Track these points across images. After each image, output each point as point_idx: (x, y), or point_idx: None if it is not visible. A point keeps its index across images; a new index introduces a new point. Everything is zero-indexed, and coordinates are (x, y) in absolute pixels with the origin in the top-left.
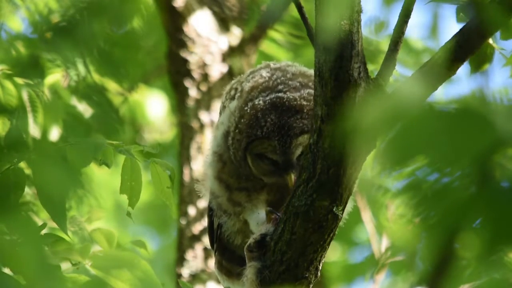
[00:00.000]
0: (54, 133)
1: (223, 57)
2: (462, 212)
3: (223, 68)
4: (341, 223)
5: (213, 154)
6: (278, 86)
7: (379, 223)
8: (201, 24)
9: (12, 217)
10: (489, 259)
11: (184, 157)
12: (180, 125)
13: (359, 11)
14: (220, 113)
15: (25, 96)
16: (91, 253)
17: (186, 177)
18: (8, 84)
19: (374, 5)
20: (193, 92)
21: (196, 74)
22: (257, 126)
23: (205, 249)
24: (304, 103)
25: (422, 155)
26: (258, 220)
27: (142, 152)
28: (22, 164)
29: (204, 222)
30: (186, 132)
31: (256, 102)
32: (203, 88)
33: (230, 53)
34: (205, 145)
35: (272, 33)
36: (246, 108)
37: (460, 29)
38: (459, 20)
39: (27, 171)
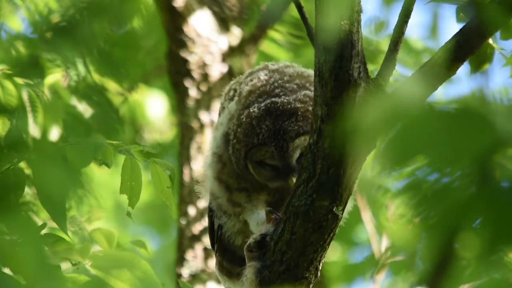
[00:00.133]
0: (54, 133)
1: (223, 57)
2: (462, 212)
3: (223, 68)
4: (341, 223)
5: (212, 155)
6: (275, 90)
7: (379, 223)
8: (201, 24)
9: (12, 217)
10: (489, 259)
11: (184, 157)
12: (180, 125)
13: (359, 11)
14: (220, 114)
15: (25, 96)
16: (91, 253)
17: (186, 177)
18: (8, 84)
19: (374, 5)
20: (193, 92)
21: (196, 74)
22: (253, 134)
23: (205, 249)
24: (299, 105)
25: (422, 155)
26: (258, 220)
27: (142, 152)
28: (22, 164)
29: (204, 222)
30: (186, 132)
31: (251, 110)
32: (203, 88)
33: (230, 53)
34: (205, 145)
35: (272, 33)
36: (242, 117)
37: (460, 29)
38: (459, 20)
39: (27, 171)
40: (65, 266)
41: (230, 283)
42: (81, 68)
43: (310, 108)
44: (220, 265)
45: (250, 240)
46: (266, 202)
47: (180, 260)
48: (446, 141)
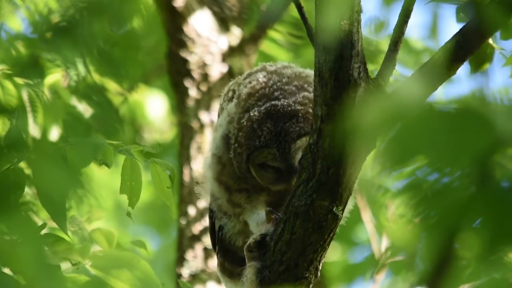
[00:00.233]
0: (54, 133)
1: (223, 57)
2: (462, 212)
3: (223, 68)
4: (342, 222)
5: (212, 156)
6: (275, 93)
7: (379, 223)
8: (201, 24)
9: (12, 217)
10: (489, 259)
11: (184, 157)
12: (180, 125)
13: (359, 11)
14: (219, 115)
15: (25, 96)
16: (91, 253)
17: (186, 177)
18: (8, 84)
19: (374, 5)
20: (193, 92)
21: (196, 74)
22: (255, 137)
23: (205, 249)
24: (299, 107)
25: (422, 155)
26: (258, 220)
27: (142, 152)
28: (22, 164)
29: (204, 222)
30: (186, 132)
31: (251, 114)
32: (203, 88)
33: (230, 53)
34: (205, 145)
35: (272, 33)
36: (242, 120)
37: (460, 29)
38: (459, 20)
39: (27, 171)
40: (65, 266)
41: (232, 284)
42: (81, 68)
43: (310, 110)
44: (221, 266)
45: (250, 240)
46: (266, 202)
47: (180, 260)
48: (446, 141)
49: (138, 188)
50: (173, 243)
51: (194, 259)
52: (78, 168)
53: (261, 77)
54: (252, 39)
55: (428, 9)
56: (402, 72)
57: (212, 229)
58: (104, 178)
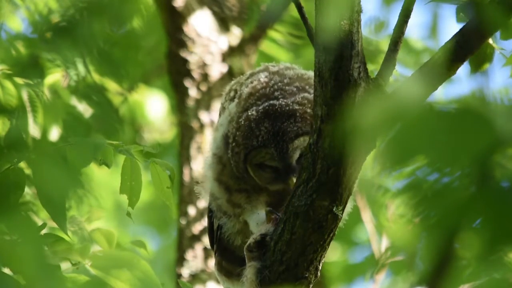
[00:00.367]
0: (54, 133)
1: (223, 57)
2: (462, 212)
3: (223, 68)
4: (340, 224)
5: (212, 156)
6: (275, 93)
7: (379, 223)
8: (201, 24)
9: (12, 217)
10: (489, 259)
11: (184, 157)
12: (180, 125)
13: (359, 11)
14: (220, 115)
15: (25, 96)
16: (91, 253)
17: (186, 177)
18: (8, 84)
19: (374, 5)
20: (193, 92)
21: (196, 74)
22: (252, 136)
23: (205, 249)
24: (297, 107)
25: (422, 155)
26: (258, 220)
27: (142, 152)
28: (22, 164)
29: (204, 222)
30: (186, 132)
31: (249, 113)
32: (203, 88)
33: (230, 53)
34: (205, 145)
35: (272, 33)
36: (240, 120)
37: (460, 29)
38: (459, 20)
39: (27, 171)
40: (65, 266)
41: (229, 283)
42: (81, 68)
43: (309, 110)
44: (219, 265)
45: (250, 240)
46: (266, 202)
47: (180, 260)
48: (446, 141)
49: (138, 188)
50: (173, 243)
51: (194, 259)
52: (78, 168)
53: (262, 77)
54: (252, 39)
55: (428, 9)
56: (402, 72)
57: (210, 228)
58: (104, 178)
